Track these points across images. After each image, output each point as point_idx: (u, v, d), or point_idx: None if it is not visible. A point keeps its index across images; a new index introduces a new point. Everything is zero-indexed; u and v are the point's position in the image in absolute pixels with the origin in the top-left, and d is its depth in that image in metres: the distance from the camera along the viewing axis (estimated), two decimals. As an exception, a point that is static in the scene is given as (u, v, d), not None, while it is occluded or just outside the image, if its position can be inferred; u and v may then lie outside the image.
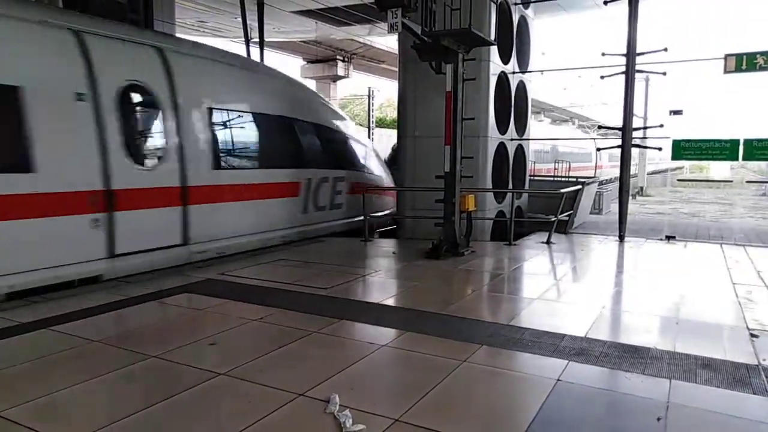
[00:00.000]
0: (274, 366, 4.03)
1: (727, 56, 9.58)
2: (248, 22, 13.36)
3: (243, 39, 13.36)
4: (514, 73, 11.36)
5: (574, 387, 3.69)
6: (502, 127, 10.96)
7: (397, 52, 11.22)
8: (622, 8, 9.90)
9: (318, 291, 6.21)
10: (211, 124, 7.95)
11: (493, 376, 3.96)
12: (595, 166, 30.76)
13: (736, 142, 9.68)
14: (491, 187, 10.55)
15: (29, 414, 3.25)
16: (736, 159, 9.88)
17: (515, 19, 11.24)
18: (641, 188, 33.87)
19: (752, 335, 4.76)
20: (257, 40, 13.08)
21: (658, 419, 3.22)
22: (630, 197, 11.38)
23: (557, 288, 6.84)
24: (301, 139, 9.94)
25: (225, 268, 7.36)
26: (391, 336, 4.63)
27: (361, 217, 10.23)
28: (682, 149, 10.11)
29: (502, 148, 11.03)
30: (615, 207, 12.80)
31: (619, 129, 10.14)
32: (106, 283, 6.53)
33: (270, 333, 4.86)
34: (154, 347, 4.31)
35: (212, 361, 4.08)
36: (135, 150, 6.87)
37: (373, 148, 14.26)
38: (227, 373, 3.83)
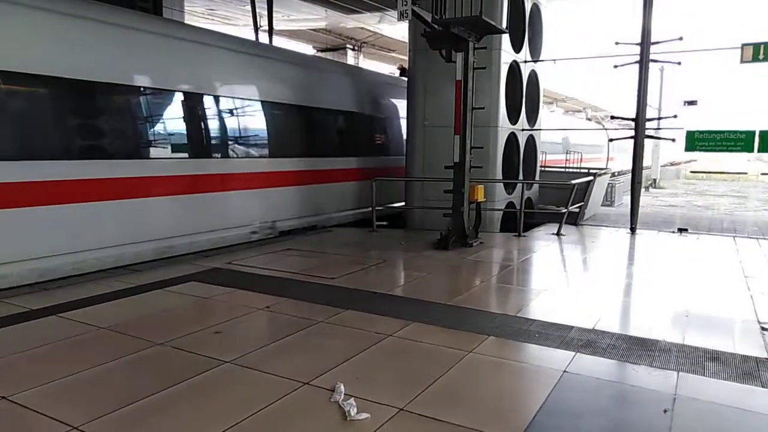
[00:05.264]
0: (279, 354, 4.05)
1: (744, 45, 9.37)
2: (258, 10, 13.32)
3: (252, 27, 13.34)
4: (525, 62, 11.22)
5: (580, 378, 3.66)
6: (513, 117, 10.84)
7: (407, 41, 11.12)
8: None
9: (325, 281, 6.21)
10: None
11: (499, 366, 3.95)
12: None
13: (751, 134, 9.51)
14: (501, 177, 10.47)
15: (37, 398, 3.29)
16: (752, 151, 9.72)
17: (527, 6, 11.09)
18: (654, 180, 33.51)
19: (763, 329, 4.69)
20: (267, 28, 13.05)
21: (665, 411, 3.19)
22: (643, 189, 11.24)
23: (566, 279, 6.80)
24: None
25: (232, 258, 7.39)
26: (397, 326, 4.62)
27: None
28: (696, 140, 9.95)
29: (512, 138, 10.93)
30: (627, 199, 12.68)
31: (632, 119, 10.00)
32: (114, 271, 6.58)
33: (276, 322, 4.88)
34: (161, 335, 4.33)
35: (218, 349, 4.09)
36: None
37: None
38: (233, 361, 3.84)
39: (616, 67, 10.12)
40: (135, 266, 6.83)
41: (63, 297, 5.41)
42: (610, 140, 12.68)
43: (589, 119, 45.29)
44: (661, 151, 34.15)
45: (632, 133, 10.02)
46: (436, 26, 7.74)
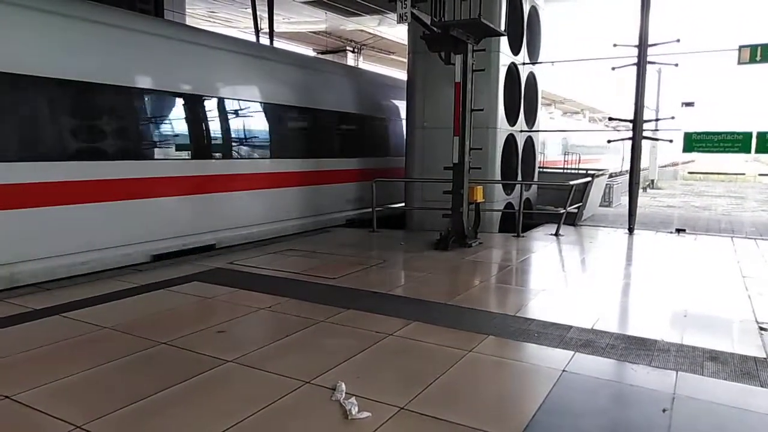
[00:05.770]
0: (281, 354, 4.07)
1: (741, 47, 9.42)
2: (258, 12, 13.36)
3: (253, 30, 13.37)
4: (524, 64, 11.26)
5: (579, 378, 3.69)
6: (512, 119, 10.88)
7: (406, 44, 11.15)
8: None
9: (326, 281, 6.24)
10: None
11: (499, 366, 3.98)
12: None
13: (748, 135, 9.56)
14: (500, 178, 10.51)
15: (40, 398, 3.31)
16: (749, 151, 9.78)
17: (526, 9, 11.13)
18: (652, 181, 33.59)
19: (761, 328, 4.73)
20: (267, 30, 13.09)
21: (664, 410, 3.22)
22: (641, 190, 11.28)
23: (565, 279, 6.83)
24: None
25: (234, 258, 7.42)
26: (398, 325, 4.65)
27: None
28: (694, 141, 10.00)
29: (511, 139, 10.97)
30: (625, 200, 12.73)
31: (630, 121, 10.05)
32: (117, 271, 6.61)
33: (278, 321, 4.91)
34: (164, 334, 4.36)
35: (220, 348, 4.11)
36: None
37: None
38: (235, 361, 3.87)
39: (614, 68, 10.17)
40: (138, 266, 6.86)
41: (66, 297, 5.43)
42: (609, 141, 12.71)
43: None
44: (660, 152, 34.25)
45: (630, 134, 10.08)
46: (435, 29, 7.78)
